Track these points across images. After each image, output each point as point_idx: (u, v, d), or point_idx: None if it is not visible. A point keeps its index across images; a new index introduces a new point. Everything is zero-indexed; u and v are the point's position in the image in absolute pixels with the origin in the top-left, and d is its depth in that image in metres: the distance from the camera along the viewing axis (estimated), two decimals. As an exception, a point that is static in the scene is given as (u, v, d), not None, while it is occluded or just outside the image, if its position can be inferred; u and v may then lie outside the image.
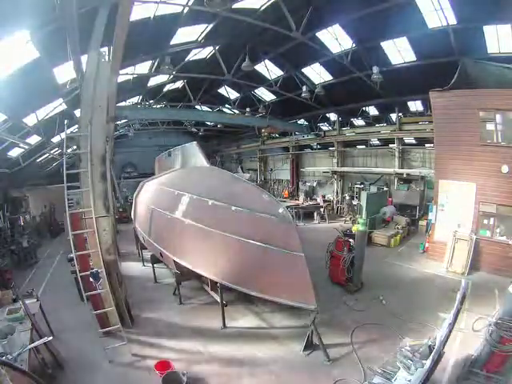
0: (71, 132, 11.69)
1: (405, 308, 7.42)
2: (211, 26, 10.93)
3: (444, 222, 10.53)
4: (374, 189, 17.96)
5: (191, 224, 6.88)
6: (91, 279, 6.08)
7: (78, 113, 9.91)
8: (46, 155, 17.63)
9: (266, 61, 15.01)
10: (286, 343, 6.22)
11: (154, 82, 16.07)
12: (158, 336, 6.56)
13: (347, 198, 19.44)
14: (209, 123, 26.44)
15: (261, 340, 6.36)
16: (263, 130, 21.68)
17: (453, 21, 9.27)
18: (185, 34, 11.22)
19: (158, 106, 20.39)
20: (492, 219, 9.64)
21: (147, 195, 10.70)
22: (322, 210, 18.63)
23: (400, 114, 16.86)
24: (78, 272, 6.11)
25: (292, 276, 5.55)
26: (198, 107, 20.24)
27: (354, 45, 11.91)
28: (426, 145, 16.90)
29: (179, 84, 17.93)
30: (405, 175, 16.52)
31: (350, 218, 16.55)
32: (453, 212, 10.30)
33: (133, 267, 11.05)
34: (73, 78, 9.38)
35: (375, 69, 12.09)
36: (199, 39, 11.91)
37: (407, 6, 9.15)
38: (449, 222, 10.35)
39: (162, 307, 7.88)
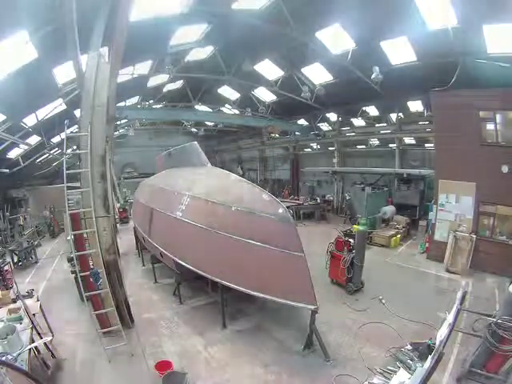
0: (71, 132, 11.71)
1: (405, 308, 7.42)
2: (211, 26, 10.93)
3: (444, 222, 10.54)
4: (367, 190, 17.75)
5: (191, 224, 6.89)
6: (91, 279, 6.08)
7: (77, 113, 9.91)
8: (45, 155, 17.67)
9: (266, 61, 14.99)
10: (285, 343, 6.22)
11: (153, 82, 16.06)
12: (158, 336, 6.56)
13: (347, 197, 19.41)
14: (209, 123, 26.44)
15: (261, 340, 6.35)
16: (263, 130, 21.67)
17: (453, 21, 9.27)
18: (185, 34, 11.20)
19: (158, 106, 20.39)
20: (492, 219, 9.65)
21: (147, 195, 10.72)
22: (322, 209, 18.62)
23: (400, 114, 16.86)
24: (77, 272, 6.11)
25: (292, 276, 5.55)
26: (197, 107, 20.24)
27: (355, 45, 11.90)
28: (426, 145, 16.91)
29: (179, 84, 17.93)
30: (405, 175, 16.52)
31: (350, 219, 16.52)
32: (453, 212, 10.30)
33: (133, 267, 11.06)
34: (73, 78, 9.39)
35: (375, 69, 12.08)
36: (199, 39, 11.91)
37: (407, 6, 9.14)
38: (449, 222, 10.35)
39: (162, 307, 7.88)
